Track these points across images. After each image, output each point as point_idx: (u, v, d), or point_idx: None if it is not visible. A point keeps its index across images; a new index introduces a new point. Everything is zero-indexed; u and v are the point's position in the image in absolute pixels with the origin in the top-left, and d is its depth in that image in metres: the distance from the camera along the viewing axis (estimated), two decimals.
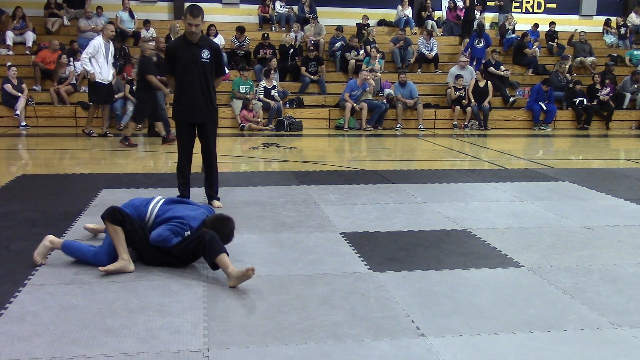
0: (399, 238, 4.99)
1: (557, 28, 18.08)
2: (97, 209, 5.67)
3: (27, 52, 14.69)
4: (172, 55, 5.64)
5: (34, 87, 13.48)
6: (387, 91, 14.33)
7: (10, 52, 14.61)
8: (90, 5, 15.96)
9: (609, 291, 3.90)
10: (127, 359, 2.89)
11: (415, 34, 17.57)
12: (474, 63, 15.61)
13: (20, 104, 12.46)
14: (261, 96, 13.29)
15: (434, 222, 5.50)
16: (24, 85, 12.79)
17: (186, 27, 5.54)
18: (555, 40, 17.80)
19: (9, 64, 13.29)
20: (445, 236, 5.08)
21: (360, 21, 16.98)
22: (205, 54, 5.59)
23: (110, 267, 3.96)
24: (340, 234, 5.04)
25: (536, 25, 17.87)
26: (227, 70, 11.49)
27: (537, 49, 17.08)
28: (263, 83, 13.49)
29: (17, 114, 12.42)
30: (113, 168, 8.21)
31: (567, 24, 19.12)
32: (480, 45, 15.96)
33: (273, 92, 13.46)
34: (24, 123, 12.46)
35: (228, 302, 3.58)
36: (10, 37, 14.74)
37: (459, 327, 3.31)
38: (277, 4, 17.22)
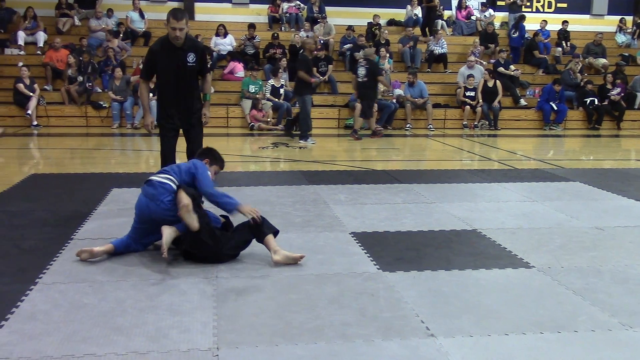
0: (409, 238, 4.98)
1: (568, 27, 17.97)
2: (108, 208, 5.71)
3: (39, 52, 14.78)
4: (153, 59, 5.40)
5: (45, 86, 13.56)
6: (397, 91, 14.29)
7: (22, 52, 14.70)
8: (101, 5, 16.03)
9: (620, 292, 3.88)
10: (137, 358, 2.90)
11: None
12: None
13: (32, 103, 12.54)
14: (268, 94, 13.32)
15: (444, 222, 5.49)
16: (35, 85, 12.87)
17: (170, 32, 5.22)
18: (568, 42, 17.67)
19: (21, 63, 13.39)
20: (455, 236, 5.06)
21: (371, 21, 16.95)
22: (191, 57, 5.35)
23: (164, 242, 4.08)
24: (349, 233, 5.04)
25: (545, 22, 17.75)
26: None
27: (559, 48, 17.09)
28: (271, 81, 13.53)
29: (28, 114, 12.51)
30: (123, 167, 8.24)
31: (578, 23, 19.00)
32: (516, 35, 16.58)
33: (281, 90, 13.49)
34: (35, 122, 12.54)
35: (237, 301, 3.59)
36: (21, 37, 14.82)
37: (468, 328, 3.30)
38: (284, 5, 17.22)
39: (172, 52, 5.33)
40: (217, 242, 4.18)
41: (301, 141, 10.92)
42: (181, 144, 5.66)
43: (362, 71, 11.71)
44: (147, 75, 5.56)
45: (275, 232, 4.36)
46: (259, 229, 4.29)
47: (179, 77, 5.40)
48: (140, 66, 13.25)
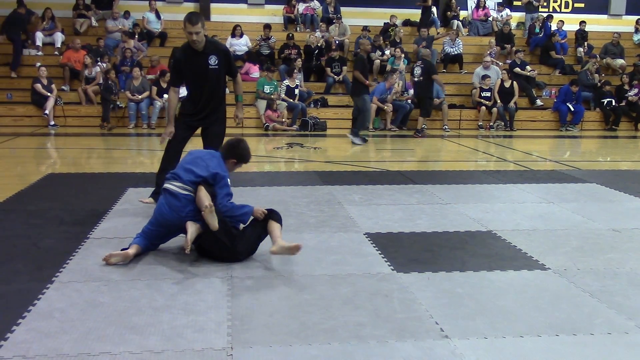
0: (423, 239, 4.96)
1: (585, 28, 17.83)
2: (124, 208, 5.75)
3: (56, 52, 14.92)
4: (179, 67, 5.46)
5: (63, 87, 13.69)
6: (413, 92, 14.24)
7: (40, 53, 14.85)
8: (117, 6, 16.15)
9: (637, 295, 3.84)
10: (152, 357, 2.92)
11: (439, 33, 17.45)
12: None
13: (49, 103, 12.66)
14: (283, 95, 13.35)
15: (459, 223, 5.46)
16: (53, 86, 13.00)
17: (187, 36, 5.27)
18: (586, 42, 17.52)
19: (39, 64, 13.52)
20: (469, 237, 5.04)
21: (388, 21, 16.91)
22: (213, 60, 5.38)
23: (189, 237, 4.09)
24: (364, 234, 5.03)
25: (562, 23, 17.63)
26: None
27: (580, 49, 16.96)
28: (286, 82, 13.56)
29: (45, 114, 12.63)
30: (139, 167, 8.30)
31: (595, 23, 18.82)
32: (541, 35, 17.12)
33: (296, 91, 13.51)
34: (52, 122, 12.66)
35: (252, 301, 3.60)
36: (39, 37, 14.98)
37: (483, 329, 3.28)
38: (300, 6, 17.23)
39: (194, 57, 5.37)
40: (233, 241, 4.20)
41: (350, 136, 11.01)
42: (196, 142, 5.67)
43: (417, 71, 12.29)
44: (175, 82, 5.58)
45: (279, 221, 4.37)
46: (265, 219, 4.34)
47: (203, 81, 5.42)
48: (151, 76, 13.43)
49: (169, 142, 5.64)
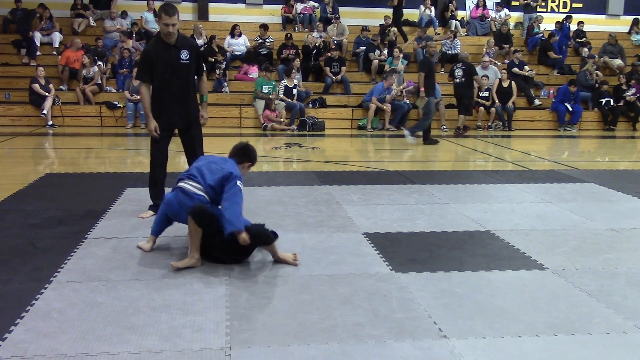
0: (422, 239, 4.96)
1: (583, 28, 17.85)
2: (122, 208, 5.75)
3: (54, 52, 14.90)
4: (149, 60, 5.28)
5: (61, 87, 13.68)
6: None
7: (38, 53, 14.82)
8: (115, 6, 16.13)
9: (635, 295, 3.84)
10: (150, 357, 2.92)
11: (438, 34, 17.46)
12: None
13: (47, 103, 12.65)
14: (281, 95, 13.35)
15: (457, 223, 5.47)
16: (51, 85, 12.98)
17: (161, 27, 5.13)
18: (585, 42, 17.53)
19: (37, 63, 13.51)
20: (468, 237, 5.04)
21: (383, 22, 16.91)
22: (184, 54, 5.25)
23: (180, 263, 4.09)
24: (362, 234, 5.04)
25: (559, 24, 17.63)
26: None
27: (585, 49, 16.91)
28: (284, 82, 13.56)
29: (44, 114, 12.61)
30: (137, 167, 8.28)
31: (593, 23, 18.85)
32: (539, 35, 17.33)
33: (294, 91, 13.51)
34: (50, 122, 12.65)
35: (250, 301, 3.60)
36: (37, 37, 14.96)
37: (481, 329, 3.28)
38: (298, 6, 17.21)
39: (166, 51, 5.24)
40: (251, 249, 4.25)
41: (406, 131, 11.45)
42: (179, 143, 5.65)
43: (459, 72, 12.62)
44: (144, 76, 5.36)
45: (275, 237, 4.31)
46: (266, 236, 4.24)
47: (175, 75, 5.29)
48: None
49: (153, 155, 5.52)
